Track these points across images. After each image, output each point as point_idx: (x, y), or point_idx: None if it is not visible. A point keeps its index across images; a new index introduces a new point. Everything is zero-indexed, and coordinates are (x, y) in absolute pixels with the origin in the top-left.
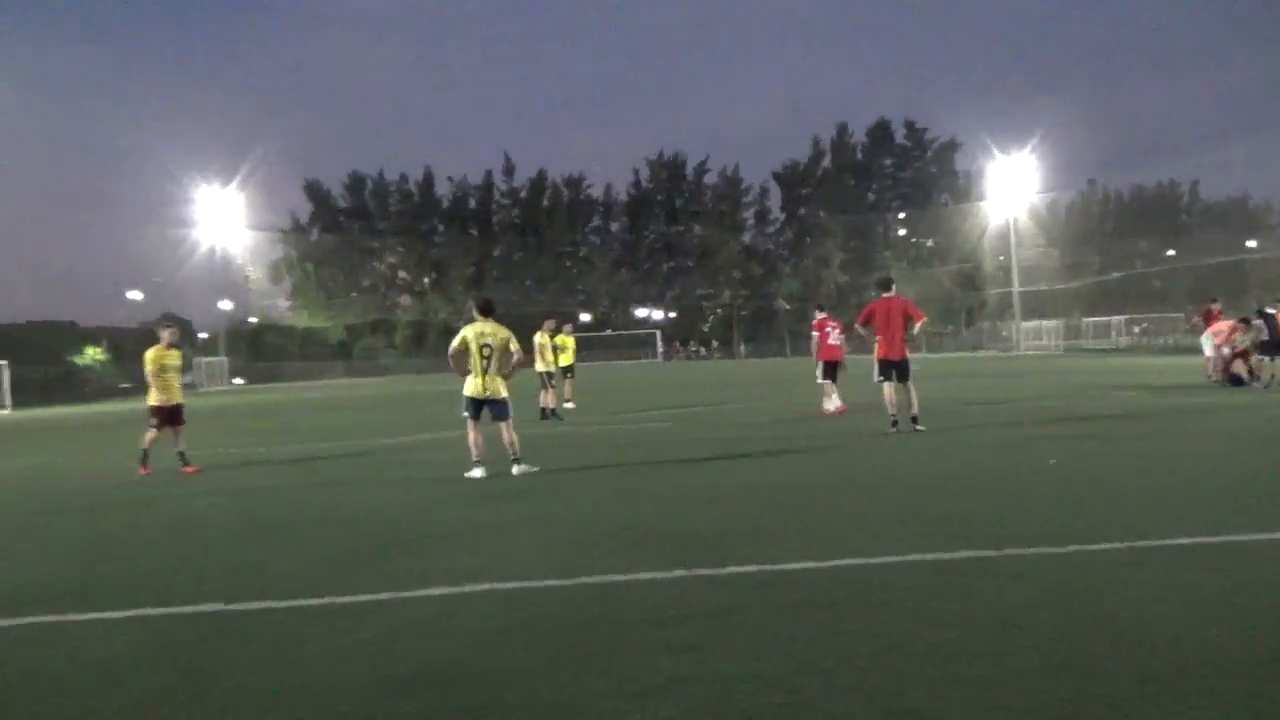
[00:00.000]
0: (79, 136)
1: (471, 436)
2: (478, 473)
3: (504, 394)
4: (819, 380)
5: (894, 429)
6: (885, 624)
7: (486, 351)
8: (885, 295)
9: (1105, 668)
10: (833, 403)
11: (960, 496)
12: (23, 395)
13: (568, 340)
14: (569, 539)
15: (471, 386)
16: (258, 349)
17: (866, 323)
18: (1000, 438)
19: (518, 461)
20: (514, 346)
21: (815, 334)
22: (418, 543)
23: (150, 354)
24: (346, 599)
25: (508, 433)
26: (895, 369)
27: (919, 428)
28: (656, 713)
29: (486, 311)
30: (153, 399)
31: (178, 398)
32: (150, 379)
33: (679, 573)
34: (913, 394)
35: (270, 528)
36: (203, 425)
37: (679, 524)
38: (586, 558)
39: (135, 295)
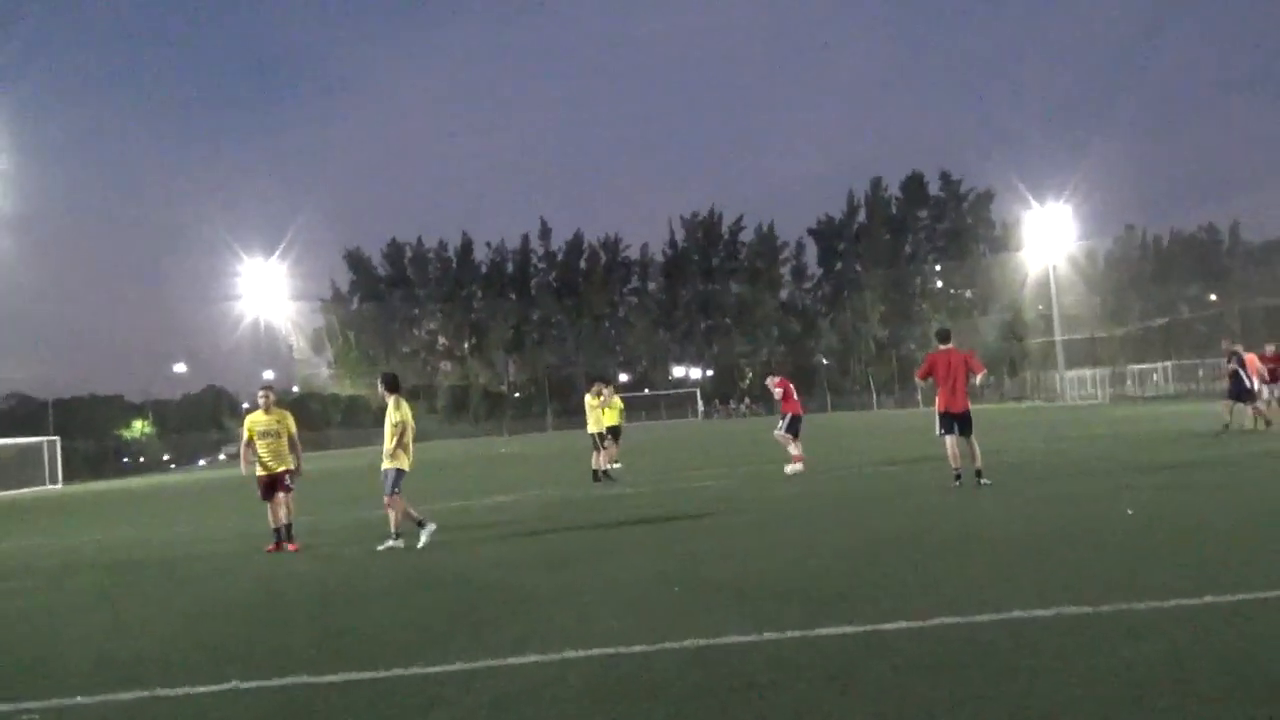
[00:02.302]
0: (123, 213)
1: (400, 509)
2: (395, 544)
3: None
4: (784, 434)
5: (957, 483)
6: (1003, 686)
7: (401, 427)
8: (944, 347)
9: None
10: (794, 466)
11: (1044, 551)
12: (73, 469)
13: (615, 401)
14: (652, 601)
15: (408, 461)
16: (301, 417)
17: (928, 375)
18: (1068, 489)
19: (425, 524)
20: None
21: (779, 390)
22: (504, 607)
23: (246, 422)
24: (441, 668)
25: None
26: (957, 422)
27: (984, 481)
28: None
29: (397, 388)
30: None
31: (273, 467)
32: (243, 449)
33: (770, 635)
34: (975, 447)
35: (351, 595)
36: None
37: (758, 584)
38: (674, 621)
39: (180, 368)
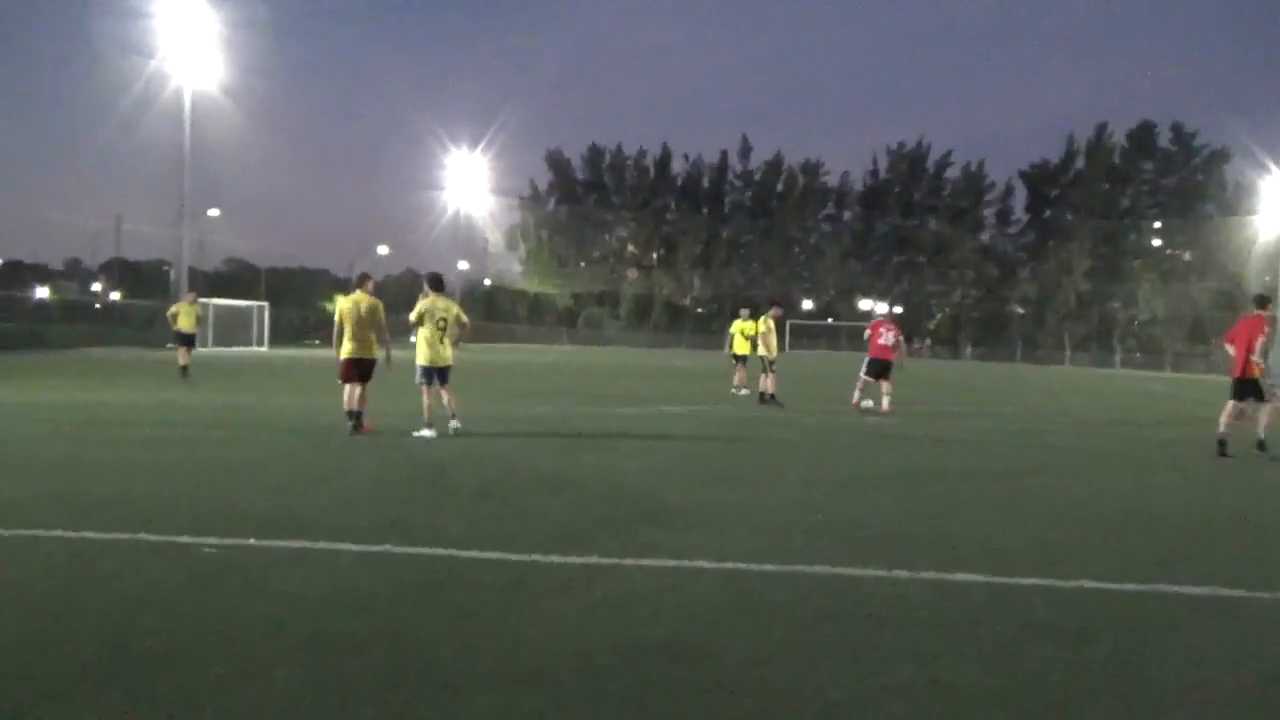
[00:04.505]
0: (343, 98)
1: (427, 401)
2: (429, 433)
3: (451, 361)
4: (862, 375)
5: (1220, 447)
6: (1131, 658)
7: (442, 324)
8: (1256, 312)
9: None
10: (868, 400)
11: (1221, 532)
12: (278, 335)
13: (748, 326)
14: (792, 525)
15: (427, 355)
16: (490, 310)
17: (1230, 340)
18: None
19: (455, 418)
20: (464, 319)
21: (868, 332)
22: (646, 514)
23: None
24: (574, 559)
25: (449, 395)
26: (1239, 387)
27: (1260, 453)
28: (889, 713)
29: (438, 286)
30: None
31: (347, 352)
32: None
33: (901, 573)
34: (1261, 416)
35: (504, 485)
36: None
37: (902, 522)
38: (809, 546)
39: (383, 250)
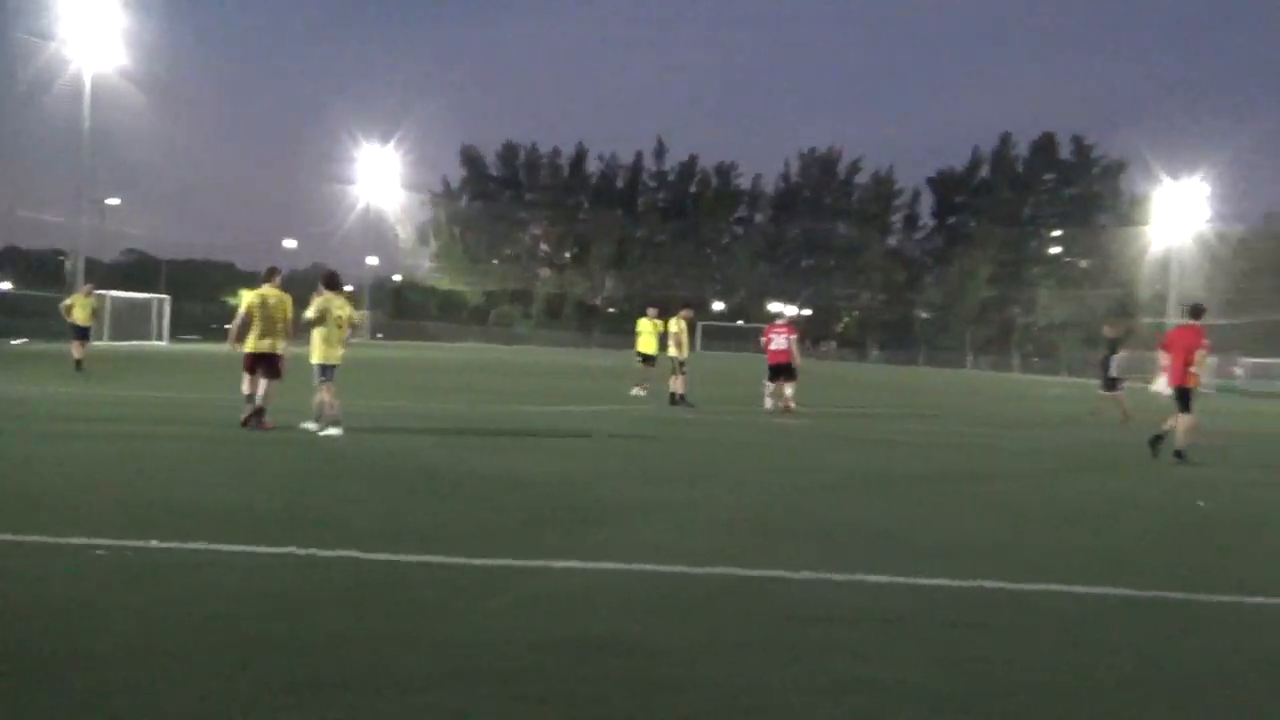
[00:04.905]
0: (252, 87)
1: (329, 398)
2: (335, 431)
3: (340, 360)
4: (765, 381)
5: (1156, 443)
6: (1070, 656)
7: (340, 321)
8: (1190, 322)
9: None
10: (770, 402)
11: (1164, 534)
12: (180, 330)
13: (655, 325)
14: (720, 525)
15: (323, 353)
16: (399, 307)
17: (1165, 347)
18: (1185, 477)
19: (336, 424)
20: (357, 319)
21: (763, 339)
22: (573, 514)
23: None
24: (504, 561)
25: (330, 394)
26: (1175, 394)
27: (1178, 459)
28: (826, 712)
29: (333, 285)
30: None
31: (251, 346)
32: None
33: (841, 576)
34: (1180, 423)
35: (429, 484)
36: (354, 378)
37: (828, 520)
38: (737, 546)
39: (290, 244)
